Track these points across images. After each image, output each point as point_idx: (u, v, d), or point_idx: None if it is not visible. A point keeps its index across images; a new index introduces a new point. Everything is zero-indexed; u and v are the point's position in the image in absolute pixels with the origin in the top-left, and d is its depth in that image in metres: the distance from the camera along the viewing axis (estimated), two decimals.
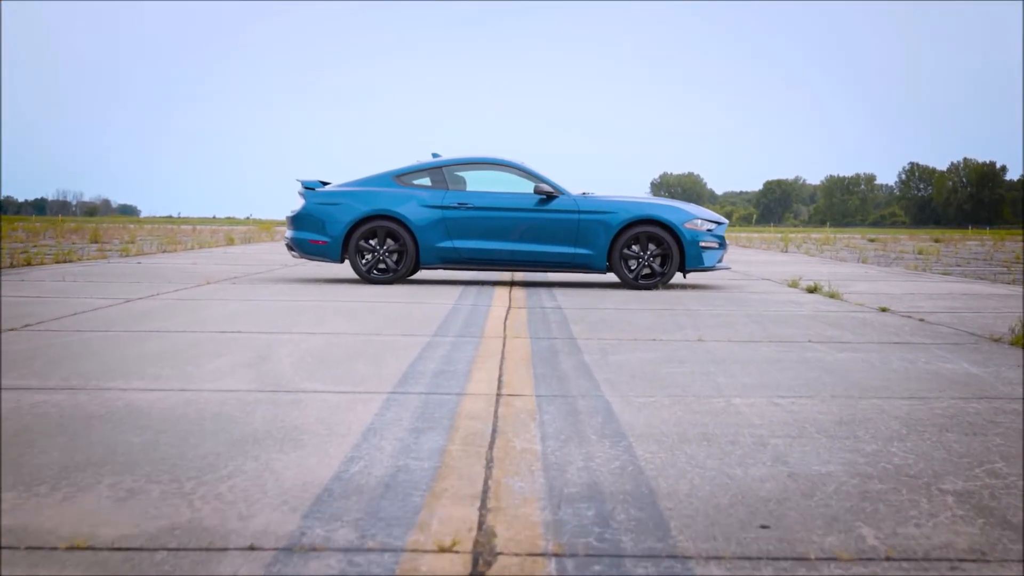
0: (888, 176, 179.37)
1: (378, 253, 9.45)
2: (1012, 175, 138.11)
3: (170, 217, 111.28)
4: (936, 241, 29.41)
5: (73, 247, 17.31)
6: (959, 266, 14.96)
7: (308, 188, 9.78)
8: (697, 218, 9.32)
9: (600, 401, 3.67)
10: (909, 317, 6.95)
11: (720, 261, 9.55)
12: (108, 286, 8.69)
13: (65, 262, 12.58)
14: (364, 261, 9.50)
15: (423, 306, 7.34)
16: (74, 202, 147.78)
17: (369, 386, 3.91)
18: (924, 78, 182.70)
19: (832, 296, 8.52)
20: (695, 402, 3.67)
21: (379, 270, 9.55)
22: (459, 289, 9.04)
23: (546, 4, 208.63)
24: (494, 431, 3.14)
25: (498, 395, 3.78)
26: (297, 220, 9.72)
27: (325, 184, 9.89)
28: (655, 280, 9.26)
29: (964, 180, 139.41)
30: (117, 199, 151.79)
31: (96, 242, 20.15)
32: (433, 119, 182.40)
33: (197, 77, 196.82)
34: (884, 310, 7.41)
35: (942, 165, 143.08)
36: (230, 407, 3.45)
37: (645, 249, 9.25)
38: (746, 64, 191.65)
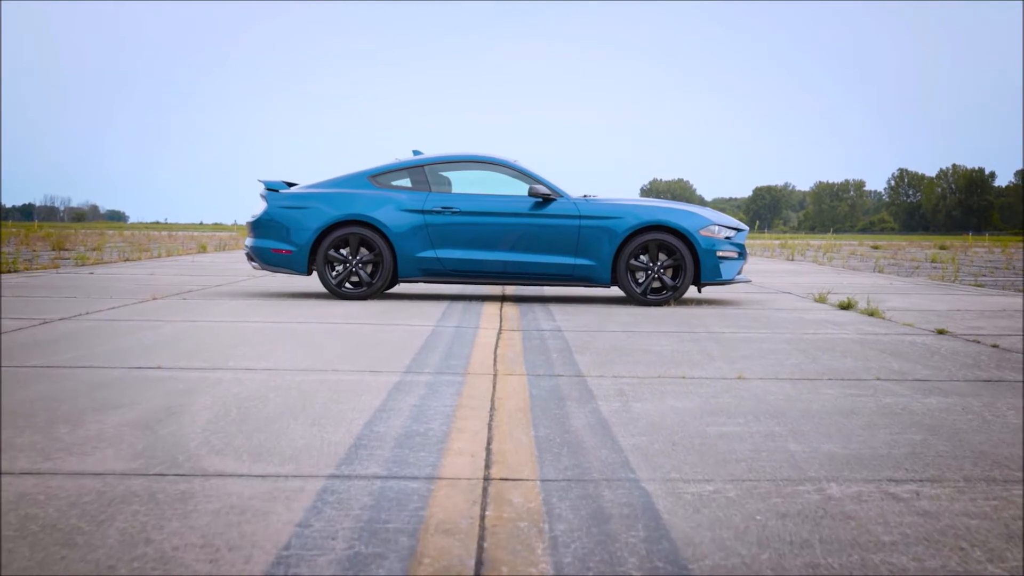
0: (877, 182, 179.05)
1: (350, 264, 8.27)
2: (1001, 181, 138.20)
3: (157, 223, 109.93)
4: (942, 248, 28.39)
5: (31, 255, 16.05)
6: (985, 276, 13.87)
7: (271, 189, 8.59)
8: (714, 224, 8.18)
9: (636, 491, 2.52)
10: (977, 342, 5.83)
11: (739, 273, 8.42)
12: (35, 302, 7.49)
13: (8, 272, 11.35)
14: (334, 273, 8.32)
15: (398, 329, 6.17)
16: (62, 208, 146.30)
17: (301, 465, 2.74)
18: (914, 84, 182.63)
19: (871, 314, 7.39)
20: (774, 492, 2.52)
21: (352, 284, 8.38)
22: (442, 306, 7.87)
23: (533, 7, 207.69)
24: (479, 563, 1.98)
25: (486, 480, 2.62)
26: (258, 226, 8.53)
27: (291, 185, 8.71)
28: (666, 295, 8.11)
29: (953, 186, 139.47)
30: (106, 205, 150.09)
31: (59, 249, 18.88)
32: (420, 121, 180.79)
33: (185, 82, 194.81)
34: (942, 332, 6.28)
35: (931, 171, 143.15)
36: (78, 512, 2.28)
37: (655, 259, 8.11)
38: (736, 70, 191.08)
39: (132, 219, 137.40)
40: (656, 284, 8.18)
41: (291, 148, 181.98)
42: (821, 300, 8.63)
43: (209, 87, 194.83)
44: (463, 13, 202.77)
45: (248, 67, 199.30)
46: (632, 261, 8.09)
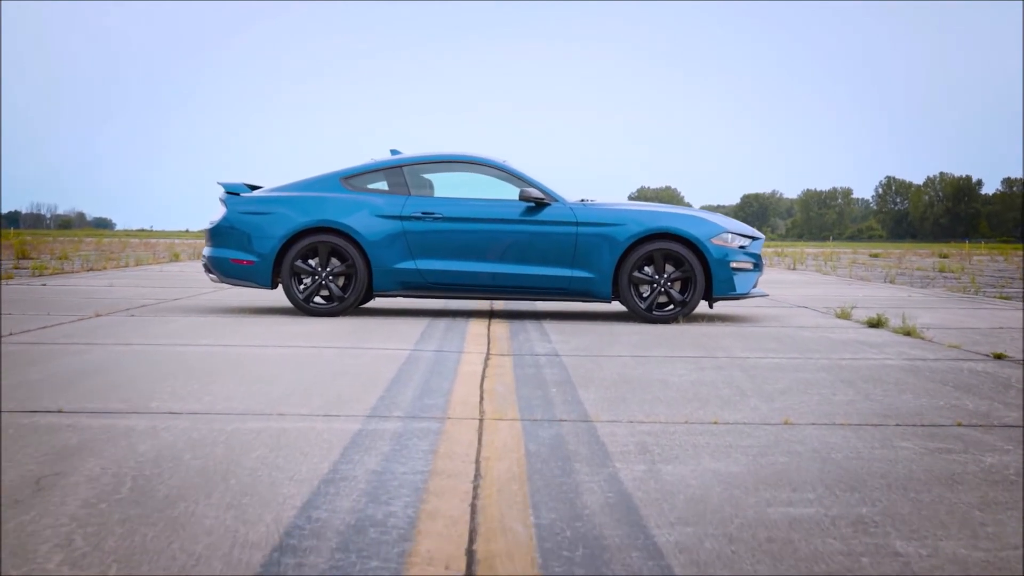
0: (865, 190, 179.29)
1: (320, 277, 7.36)
2: (988, 189, 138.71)
3: (143, 230, 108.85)
4: (943, 256, 27.65)
5: None
6: (1007, 287, 13.06)
7: (231, 193, 7.67)
8: (726, 231, 7.31)
9: None
10: None
11: (755, 286, 7.55)
12: None
13: None
14: (302, 287, 7.40)
15: (368, 354, 5.27)
16: (48, 215, 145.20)
17: None
18: (901, 91, 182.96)
19: (908, 333, 6.53)
20: None
21: (323, 298, 7.47)
22: (422, 323, 6.97)
23: (519, 11, 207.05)
24: None
25: None
26: (216, 234, 7.60)
27: (254, 188, 7.80)
28: (674, 311, 7.23)
29: (940, 194, 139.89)
30: (93, 212, 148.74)
31: (22, 258, 17.87)
32: (415, 123, 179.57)
33: (172, 89, 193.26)
34: (1000, 357, 5.42)
35: (918, 179, 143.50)
36: None
37: (661, 271, 7.23)
38: (724, 77, 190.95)
39: (119, 226, 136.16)
40: (662, 299, 7.30)
41: (282, 153, 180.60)
42: (845, 316, 7.77)
43: (197, 93, 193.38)
44: (451, 14, 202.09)
45: (237, 72, 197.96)
46: (636, 273, 7.21)
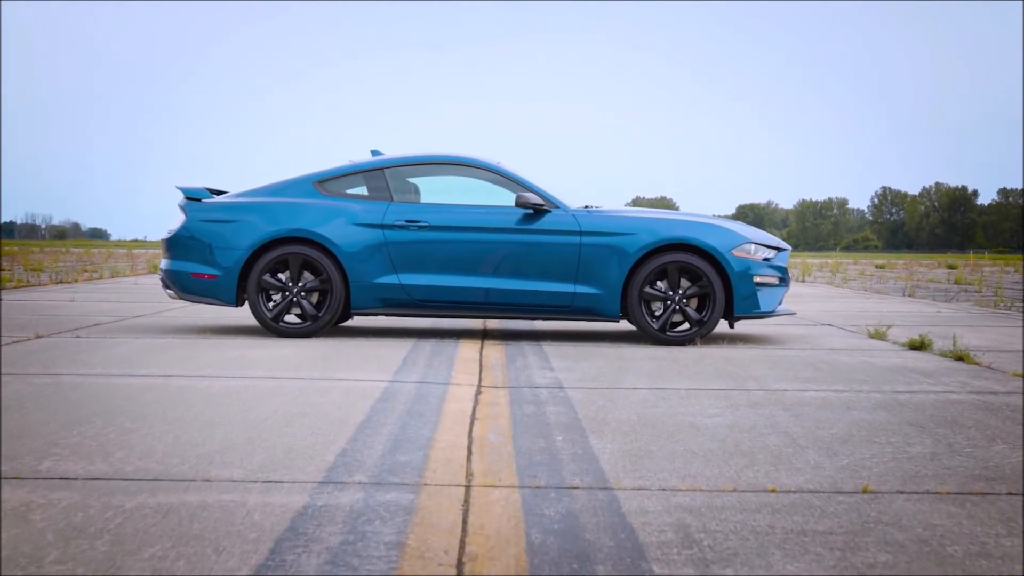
0: (860, 200, 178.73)
1: (291, 293, 6.52)
2: (984, 199, 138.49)
3: (137, 240, 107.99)
4: (951, 268, 26.85)
5: None
6: None
7: (191, 198, 6.84)
8: (749, 242, 6.50)
9: None
10: None
11: (781, 303, 6.72)
12: None
13: None
14: (271, 304, 6.56)
15: (337, 387, 4.43)
16: (43, 225, 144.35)
17: None
18: (896, 102, 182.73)
19: (960, 358, 5.71)
20: None
21: (296, 316, 6.64)
22: (406, 345, 6.13)
23: (515, 13, 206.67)
24: None
25: None
26: (175, 244, 6.76)
27: (218, 193, 6.97)
28: (691, 331, 6.40)
29: (936, 204, 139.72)
30: (88, 223, 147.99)
31: None
32: (394, 125, 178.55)
33: (165, 98, 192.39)
34: None
35: (914, 189, 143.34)
36: None
37: (676, 287, 6.41)
38: (717, 88, 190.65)
39: (114, 237, 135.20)
40: (677, 317, 6.48)
41: (279, 156, 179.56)
42: (879, 336, 6.94)
43: (190, 101, 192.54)
44: (447, 14, 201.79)
45: (229, 77, 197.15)
46: (647, 289, 6.39)
